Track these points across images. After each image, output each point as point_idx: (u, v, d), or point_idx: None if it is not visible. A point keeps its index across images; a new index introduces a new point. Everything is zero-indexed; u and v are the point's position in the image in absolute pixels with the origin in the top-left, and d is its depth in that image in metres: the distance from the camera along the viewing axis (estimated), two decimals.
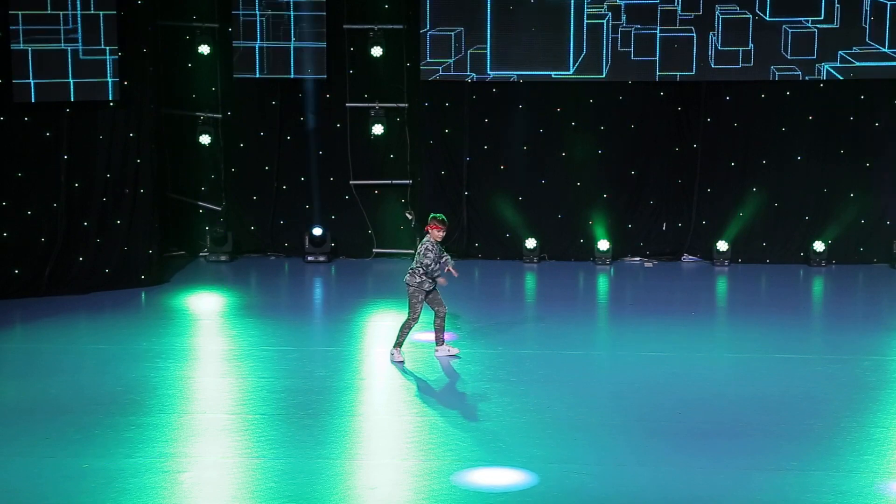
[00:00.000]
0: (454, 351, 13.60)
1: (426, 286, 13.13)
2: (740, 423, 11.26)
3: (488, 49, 18.38)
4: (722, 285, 18.02)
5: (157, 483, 9.76)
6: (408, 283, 13.19)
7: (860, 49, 17.96)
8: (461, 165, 19.16)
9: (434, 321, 13.48)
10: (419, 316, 13.25)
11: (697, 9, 18.12)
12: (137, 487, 9.65)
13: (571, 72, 18.35)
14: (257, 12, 18.38)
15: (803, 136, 18.69)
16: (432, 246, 13.12)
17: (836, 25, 17.93)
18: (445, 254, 13.40)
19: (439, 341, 13.55)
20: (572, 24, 18.20)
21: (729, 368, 13.16)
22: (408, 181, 19.24)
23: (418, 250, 13.20)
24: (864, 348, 13.94)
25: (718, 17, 18.12)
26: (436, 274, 13.17)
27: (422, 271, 13.08)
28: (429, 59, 18.51)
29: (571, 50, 18.30)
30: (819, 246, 18.69)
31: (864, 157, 18.63)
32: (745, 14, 18.06)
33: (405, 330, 13.34)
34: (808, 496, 9.48)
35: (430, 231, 13.23)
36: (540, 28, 18.29)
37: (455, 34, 18.41)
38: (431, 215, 13.34)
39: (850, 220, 18.69)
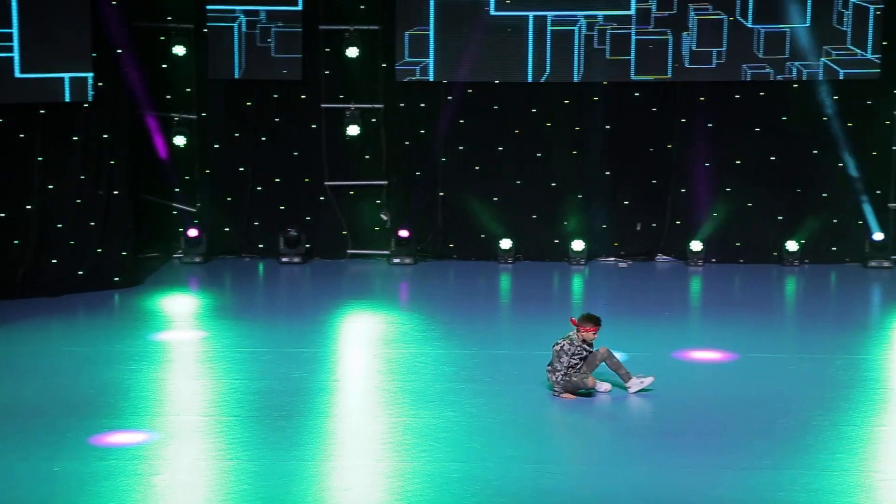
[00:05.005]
0: (648, 379, 12.11)
1: (574, 377, 11.97)
2: (713, 422, 11.31)
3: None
4: (696, 285, 18.09)
5: (130, 486, 9.74)
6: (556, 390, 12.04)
7: (834, 50, 18.06)
8: (436, 166, 19.17)
9: (610, 366, 12.16)
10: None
11: (672, 8, 18.17)
12: (110, 490, 9.63)
13: (545, 76, 18.39)
14: (234, 14, 18.35)
15: (777, 137, 18.77)
16: (570, 347, 11.93)
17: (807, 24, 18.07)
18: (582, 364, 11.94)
19: (626, 377, 12.11)
20: (549, 25, 18.26)
21: (702, 368, 13.21)
22: (383, 182, 19.24)
23: (557, 355, 12.00)
24: (837, 347, 14.01)
25: (692, 17, 18.18)
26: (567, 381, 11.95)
27: (561, 374, 11.98)
28: (406, 59, 18.50)
29: (533, 52, 18.34)
30: (792, 246, 18.78)
31: (837, 158, 18.72)
32: (720, 14, 18.12)
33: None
34: (780, 494, 9.54)
35: (580, 330, 11.99)
36: (514, 32, 18.33)
37: (431, 35, 18.40)
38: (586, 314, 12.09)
39: (823, 219, 18.79)
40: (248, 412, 11.67)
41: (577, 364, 11.99)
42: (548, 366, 12.15)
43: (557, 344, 12.05)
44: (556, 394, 11.99)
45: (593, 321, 12.02)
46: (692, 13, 18.17)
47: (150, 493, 9.63)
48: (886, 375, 13.20)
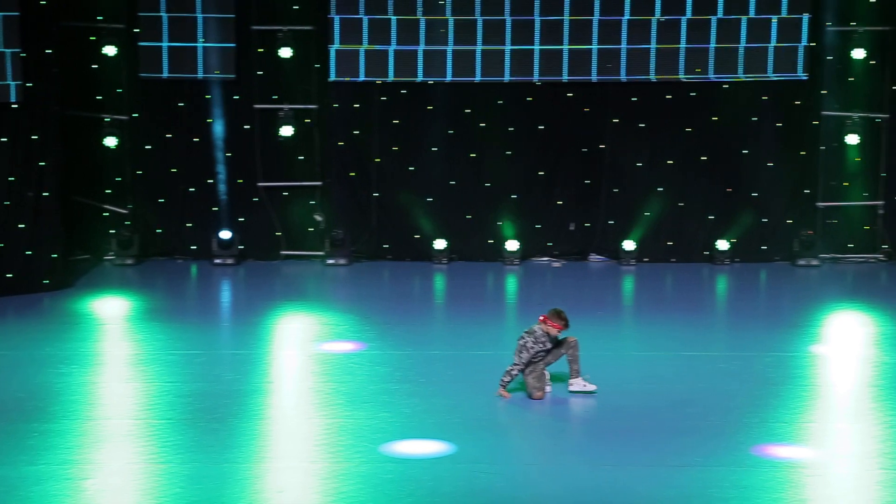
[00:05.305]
0: (592, 387, 12.14)
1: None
2: (646, 420, 11.41)
3: (390, 53, 18.41)
4: (628, 284, 18.24)
5: (61, 490, 9.63)
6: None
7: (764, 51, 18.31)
8: (370, 167, 19.15)
9: (570, 356, 12.14)
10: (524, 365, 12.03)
11: (610, 9, 18.30)
12: (40, 495, 9.52)
13: (478, 77, 18.45)
14: (163, 13, 18.21)
15: (707, 137, 18.98)
16: (534, 345, 11.87)
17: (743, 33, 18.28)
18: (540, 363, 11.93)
19: (574, 374, 12.15)
20: (480, 24, 18.31)
21: (635, 366, 13.31)
22: (317, 183, 19.18)
23: (520, 348, 11.91)
24: (766, 345, 14.20)
25: (626, 17, 18.31)
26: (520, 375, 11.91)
27: (518, 368, 11.90)
28: (340, 59, 18.47)
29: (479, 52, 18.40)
30: (723, 244, 19.00)
31: (767, 158, 18.97)
32: (649, 17, 18.29)
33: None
34: (712, 491, 9.64)
35: (544, 323, 11.93)
36: (448, 31, 18.36)
37: (365, 35, 18.38)
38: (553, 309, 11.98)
39: (753, 219, 19.03)
40: (181, 415, 11.58)
41: (538, 360, 11.95)
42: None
43: (521, 339, 11.98)
44: (503, 384, 11.98)
45: (562, 319, 11.90)
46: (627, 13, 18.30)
47: (80, 498, 9.54)
48: (814, 372, 13.40)
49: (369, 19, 18.30)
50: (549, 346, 11.95)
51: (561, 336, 12.04)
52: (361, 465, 10.19)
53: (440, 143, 19.07)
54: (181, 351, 13.94)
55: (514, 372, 11.93)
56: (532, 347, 11.88)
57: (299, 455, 10.62)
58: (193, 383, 12.62)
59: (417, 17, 18.30)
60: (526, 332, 12.01)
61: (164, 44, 18.26)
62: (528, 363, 11.93)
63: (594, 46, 18.32)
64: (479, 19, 18.31)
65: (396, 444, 10.70)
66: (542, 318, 11.99)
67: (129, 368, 13.46)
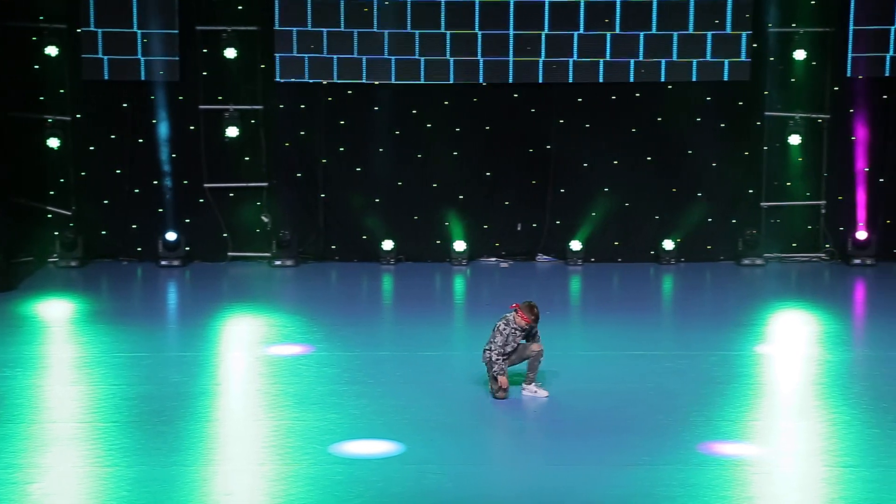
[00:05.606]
0: (543, 393, 12.12)
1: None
2: (593, 420, 11.46)
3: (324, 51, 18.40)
4: (575, 284, 18.33)
5: (5, 495, 9.52)
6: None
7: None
8: (317, 167, 19.10)
9: (532, 362, 12.14)
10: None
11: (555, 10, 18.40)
12: None
13: (422, 79, 18.48)
14: (105, 14, 18.07)
15: (653, 137, 19.12)
16: (505, 328, 11.80)
17: (690, 31, 18.41)
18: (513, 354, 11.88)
19: (529, 380, 12.14)
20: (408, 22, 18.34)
21: (582, 366, 13.37)
22: (263, 184, 19.11)
23: (493, 333, 11.91)
24: (712, 344, 14.32)
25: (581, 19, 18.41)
26: (493, 370, 11.88)
27: (494, 354, 11.85)
28: (286, 60, 18.42)
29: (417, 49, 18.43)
30: (668, 244, 19.15)
31: (711, 158, 19.13)
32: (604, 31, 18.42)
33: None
34: (659, 490, 9.70)
35: (516, 312, 11.87)
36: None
37: (310, 36, 18.34)
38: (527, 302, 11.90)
39: (698, 218, 19.19)
40: (127, 417, 11.49)
41: (509, 352, 11.89)
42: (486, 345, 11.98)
43: (500, 320, 11.90)
44: (484, 362, 11.93)
45: (533, 313, 11.80)
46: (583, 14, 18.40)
47: (26, 502, 9.43)
48: (759, 371, 13.52)
49: (314, 29, 18.29)
50: (518, 334, 11.88)
51: (528, 334, 11.97)
52: (310, 467, 10.16)
53: (387, 143, 19.07)
54: (127, 353, 13.83)
55: (493, 357, 11.85)
56: (504, 329, 11.82)
57: (247, 457, 10.57)
58: (140, 386, 12.52)
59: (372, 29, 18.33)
60: (503, 317, 11.94)
61: (104, 54, 18.11)
62: (506, 353, 11.84)
63: (541, 59, 18.40)
64: (417, 33, 18.38)
65: (345, 445, 10.68)
66: (514, 305, 11.95)
67: (74, 371, 13.33)
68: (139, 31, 18.19)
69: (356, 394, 12.24)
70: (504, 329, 11.88)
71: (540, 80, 18.57)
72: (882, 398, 12.08)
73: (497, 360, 11.83)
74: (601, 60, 18.43)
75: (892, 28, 18.41)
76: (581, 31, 18.35)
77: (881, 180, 19.17)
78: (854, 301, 18.00)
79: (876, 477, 9.95)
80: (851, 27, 18.49)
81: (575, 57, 18.39)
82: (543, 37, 18.36)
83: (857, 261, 19.04)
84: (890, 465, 10.27)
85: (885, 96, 18.96)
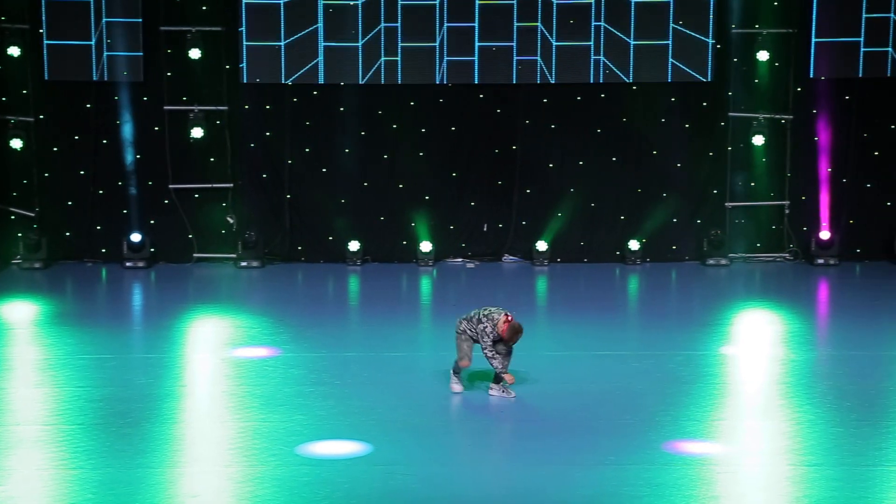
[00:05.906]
0: (511, 394, 12.10)
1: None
2: (560, 420, 11.49)
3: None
4: (542, 285, 18.38)
5: None
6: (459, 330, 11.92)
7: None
8: (283, 168, 19.06)
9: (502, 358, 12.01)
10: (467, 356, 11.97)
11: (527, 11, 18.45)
12: None
13: (384, 80, 18.48)
14: (68, 14, 17.96)
15: (617, 138, 19.20)
16: (492, 330, 11.72)
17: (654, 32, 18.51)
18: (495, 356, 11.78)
19: (497, 379, 12.08)
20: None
21: (548, 366, 13.40)
22: (229, 185, 19.04)
23: (481, 318, 11.79)
24: (677, 344, 14.39)
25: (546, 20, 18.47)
26: (497, 370, 11.88)
27: (469, 332, 11.83)
28: (248, 61, 18.37)
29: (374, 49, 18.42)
30: (634, 245, 19.23)
31: (676, 158, 19.23)
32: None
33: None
34: (626, 489, 9.74)
35: (504, 321, 11.74)
36: (361, 33, 18.37)
37: (275, 36, 18.29)
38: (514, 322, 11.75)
39: (663, 219, 19.28)
40: (92, 420, 11.42)
41: (490, 344, 11.76)
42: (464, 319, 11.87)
43: (481, 323, 11.74)
44: (502, 370, 11.86)
45: (512, 339, 11.71)
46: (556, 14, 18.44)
47: None
48: (724, 371, 13.59)
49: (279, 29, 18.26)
50: (493, 337, 11.71)
51: (499, 341, 11.87)
52: (277, 468, 10.13)
53: (353, 144, 19.05)
54: (91, 355, 13.75)
55: (488, 354, 11.82)
56: (490, 331, 11.68)
57: (213, 459, 10.53)
58: (104, 388, 12.45)
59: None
60: (484, 317, 11.81)
61: (67, 55, 18.01)
62: (494, 348, 11.81)
63: (514, 58, 18.45)
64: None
65: (312, 447, 10.66)
66: (509, 317, 11.76)
67: (39, 373, 13.23)
68: (104, 32, 18.09)
69: (323, 395, 12.23)
70: (490, 331, 11.69)
71: (508, 81, 18.60)
72: (845, 397, 12.17)
73: (494, 359, 11.81)
74: (566, 61, 18.48)
75: (860, 32, 18.53)
76: (546, 31, 18.40)
77: (844, 181, 19.32)
78: (818, 301, 18.14)
79: (840, 476, 10.02)
80: (814, 28, 18.62)
81: (540, 57, 18.44)
82: (513, 37, 18.38)
83: (821, 261, 19.18)
84: (854, 463, 10.35)
85: (847, 97, 19.11)
